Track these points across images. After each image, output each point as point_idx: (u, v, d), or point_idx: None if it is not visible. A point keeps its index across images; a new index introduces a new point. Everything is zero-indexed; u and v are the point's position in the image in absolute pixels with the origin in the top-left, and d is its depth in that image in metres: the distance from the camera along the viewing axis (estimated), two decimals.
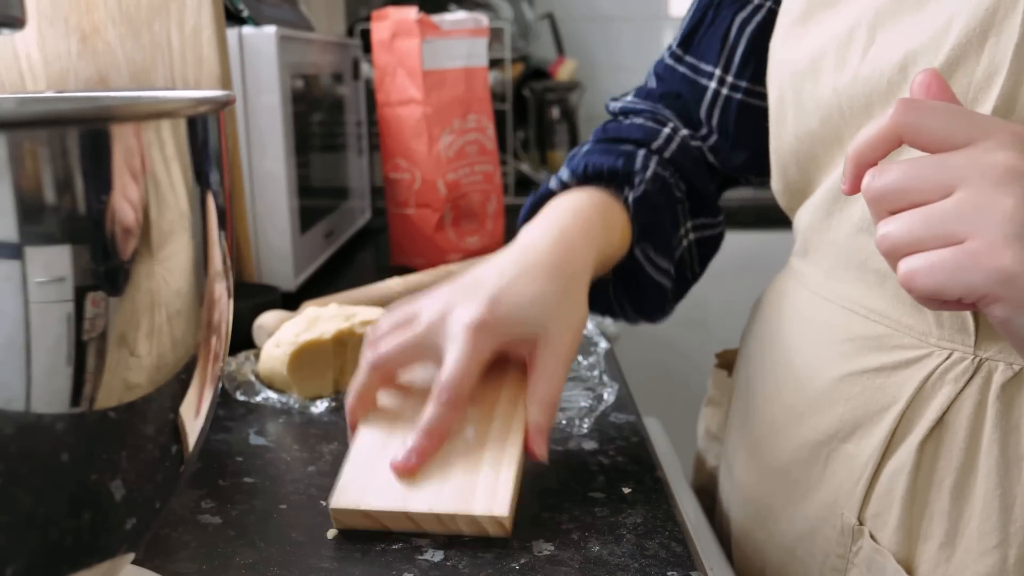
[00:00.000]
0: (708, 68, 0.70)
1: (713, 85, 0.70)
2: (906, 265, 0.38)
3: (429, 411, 0.51)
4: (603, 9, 2.25)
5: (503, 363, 0.56)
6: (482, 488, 0.50)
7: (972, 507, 0.48)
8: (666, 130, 0.70)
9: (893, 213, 0.39)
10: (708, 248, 0.74)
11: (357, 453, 0.53)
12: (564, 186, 0.67)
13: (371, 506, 0.50)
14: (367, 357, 0.54)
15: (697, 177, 0.70)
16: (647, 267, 0.67)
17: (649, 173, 0.66)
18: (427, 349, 0.54)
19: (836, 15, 0.54)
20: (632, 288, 0.68)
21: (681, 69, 0.71)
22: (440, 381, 0.52)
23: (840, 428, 0.54)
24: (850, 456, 0.54)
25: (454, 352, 0.52)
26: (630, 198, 0.65)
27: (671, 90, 0.72)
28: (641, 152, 0.68)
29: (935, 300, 0.38)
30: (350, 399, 0.55)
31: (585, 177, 0.66)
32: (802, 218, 0.61)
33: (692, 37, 0.71)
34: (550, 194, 0.67)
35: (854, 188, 0.42)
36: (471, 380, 0.52)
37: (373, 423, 0.55)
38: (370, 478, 0.51)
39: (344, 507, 0.50)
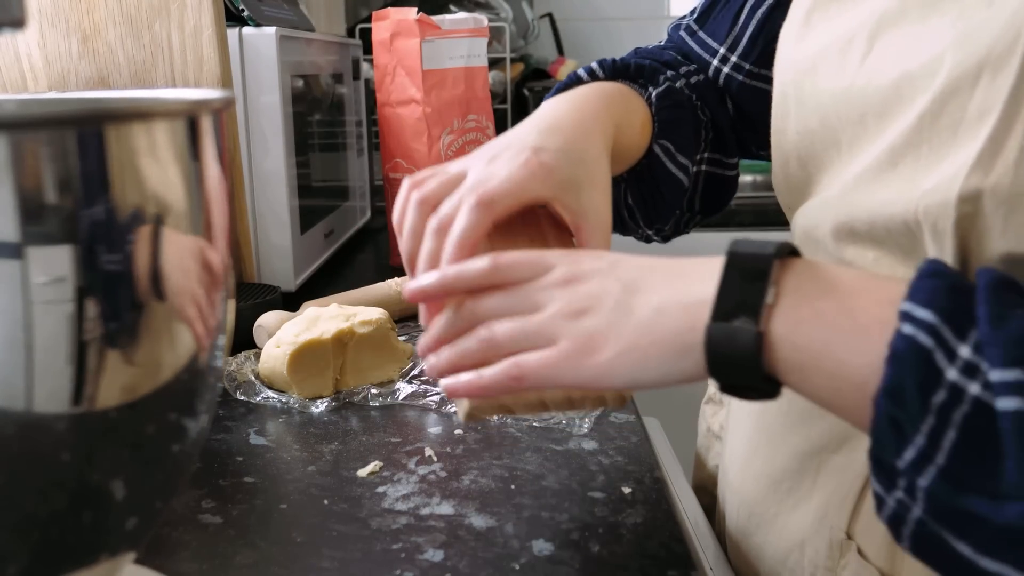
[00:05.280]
0: (715, 46, 0.73)
1: (715, 63, 0.73)
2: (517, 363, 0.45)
3: (458, 219, 0.52)
4: (603, 9, 2.25)
5: (541, 235, 0.57)
6: None
7: None
8: (691, 66, 0.74)
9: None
10: (717, 189, 0.75)
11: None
12: (592, 76, 0.70)
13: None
14: (413, 196, 0.55)
15: (718, 113, 0.73)
16: (666, 160, 0.68)
17: (678, 83, 0.70)
18: None
19: (842, 15, 0.53)
20: (648, 183, 0.69)
21: (691, 43, 0.75)
22: (467, 186, 0.53)
23: (830, 439, 0.54)
24: (840, 468, 0.53)
25: (497, 171, 0.53)
26: (653, 94, 0.68)
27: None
28: (668, 72, 0.72)
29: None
30: (405, 240, 0.55)
31: (614, 71, 0.70)
32: (798, 222, 0.61)
33: (708, 14, 0.74)
34: (577, 81, 0.70)
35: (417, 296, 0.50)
36: (506, 195, 0.52)
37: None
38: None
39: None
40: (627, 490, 0.55)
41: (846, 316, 0.38)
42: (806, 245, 0.60)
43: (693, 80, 0.73)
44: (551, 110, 0.61)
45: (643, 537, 0.50)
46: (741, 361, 0.40)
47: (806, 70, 0.55)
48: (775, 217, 0.70)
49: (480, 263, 0.48)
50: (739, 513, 0.65)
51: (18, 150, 0.27)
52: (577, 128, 0.58)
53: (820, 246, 0.56)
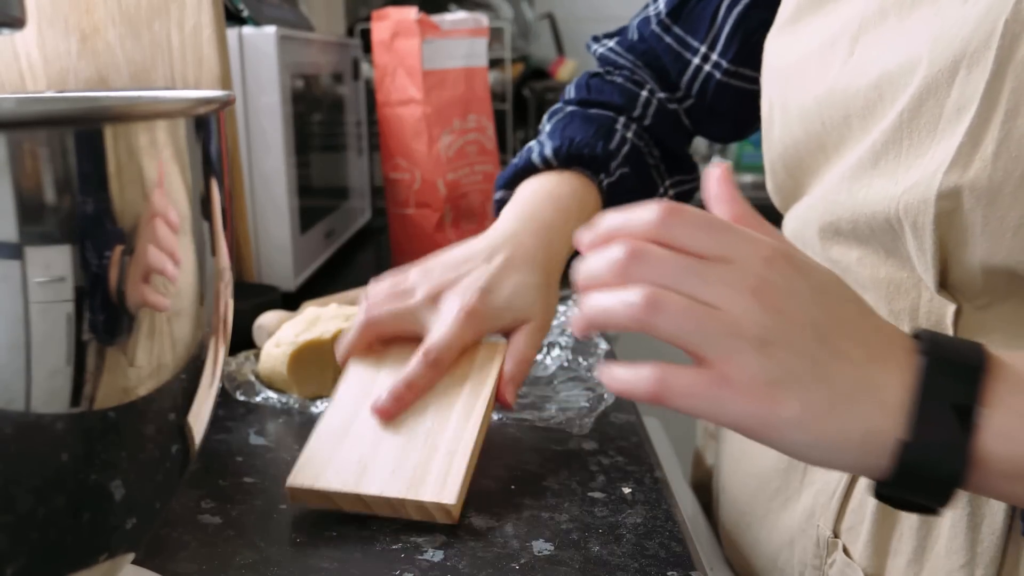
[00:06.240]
0: (695, 44, 0.74)
1: (697, 61, 0.74)
2: (657, 297, 0.37)
3: (412, 364, 0.56)
4: (603, 9, 2.25)
5: (471, 350, 0.60)
6: (434, 475, 0.52)
7: (940, 525, 0.47)
8: (644, 94, 0.75)
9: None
10: (685, 200, 0.80)
11: (320, 433, 0.55)
12: (546, 164, 0.71)
13: (326, 486, 0.51)
14: (360, 316, 0.61)
15: (673, 140, 0.77)
16: None
17: (626, 149, 0.72)
18: (415, 321, 0.60)
19: (824, 20, 0.53)
20: None
21: (667, 39, 0.75)
22: (428, 341, 0.57)
23: None
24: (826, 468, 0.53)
25: (444, 327, 0.58)
26: (604, 183, 0.71)
27: (653, 54, 0.76)
28: (620, 121, 0.74)
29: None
30: (340, 351, 0.61)
31: (568, 157, 0.71)
32: (788, 224, 0.61)
33: (682, 9, 0.74)
34: (532, 168, 0.72)
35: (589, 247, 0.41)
36: (454, 352, 0.57)
37: (339, 404, 0.58)
38: (329, 458, 0.53)
39: (300, 486, 0.52)
40: (627, 490, 0.55)
41: None
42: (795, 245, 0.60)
43: (647, 123, 0.75)
44: (511, 234, 0.63)
45: (643, 537, 0.50)
46: (937, 486, 0.36)
47: (790, 77, 0.55)
48: (773, 216, 0.70)
49: (651, 206, 0.38)
50: (733, 512, 0.65)
51: (17, 149, 0.27)
52: (528, 260, 0.61)
53: (808, 246, 0.56)
